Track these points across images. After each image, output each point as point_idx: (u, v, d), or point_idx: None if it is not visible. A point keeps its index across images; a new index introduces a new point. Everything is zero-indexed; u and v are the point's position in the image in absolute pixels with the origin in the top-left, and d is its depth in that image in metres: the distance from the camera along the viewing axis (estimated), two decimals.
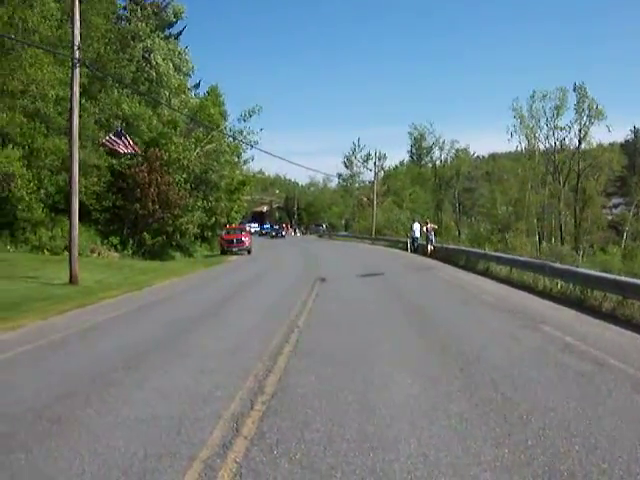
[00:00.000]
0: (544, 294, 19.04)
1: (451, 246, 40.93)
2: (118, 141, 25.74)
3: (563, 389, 8.04)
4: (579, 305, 16.56)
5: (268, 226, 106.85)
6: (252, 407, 7.17)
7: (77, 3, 21.70)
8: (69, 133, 22.41)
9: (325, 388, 7.99)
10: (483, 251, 31.78)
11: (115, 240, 37.78)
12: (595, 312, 15.40)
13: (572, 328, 12.91)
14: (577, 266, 22.33)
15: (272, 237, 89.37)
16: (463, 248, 37.26)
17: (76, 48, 21.77)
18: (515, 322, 13.63)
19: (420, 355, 10.22)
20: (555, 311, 15.75)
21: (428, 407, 7.19)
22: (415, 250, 42.75)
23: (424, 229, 40.66)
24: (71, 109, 22.06)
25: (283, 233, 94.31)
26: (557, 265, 20.39)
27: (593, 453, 5.77)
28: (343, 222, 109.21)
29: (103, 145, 28.16)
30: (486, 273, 25.90)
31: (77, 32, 21.79)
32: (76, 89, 21.95)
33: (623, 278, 16.29)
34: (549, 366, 9.29)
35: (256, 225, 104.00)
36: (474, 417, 6.82)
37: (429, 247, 38.85)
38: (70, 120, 22.15)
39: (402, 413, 6.97)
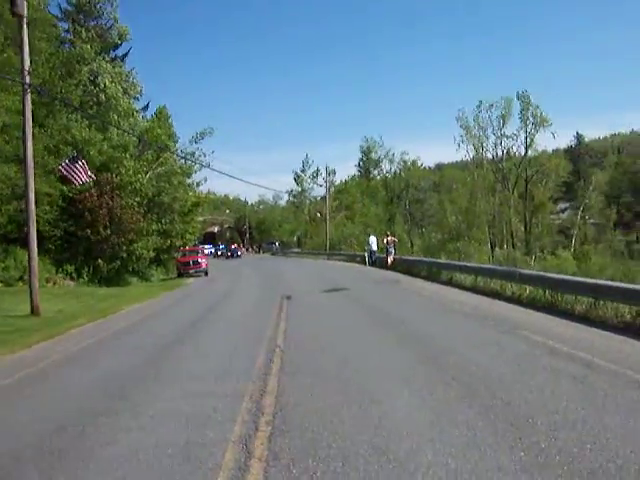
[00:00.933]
0: (513, 300, 19.23)
1: (411, 257, 41.10)
2: (74, 168, 25.18)
3: (560, 391, 8.10)
4: (551, 309, 16.79)
5: (223, 246, 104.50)
6: (257, 428, 7.04)
7: (25, 27, 21.21)
8: (23, 161, 21.82)
9: (324, 405, 7.91)
10: (446, 261, 31.96)
11: (70, 268, 37.10)
12: (568, 315, 15.64)
13: (551, 332, 13.04)
14: (545, 272, 22.53)
15: (227, 257, 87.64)
16: (425, 259, 37.44)
17: (26, 73, 21.32)
18: (494, 329, 13.73)
19: (409, 367, 10.16)
20: (529, 316, 15.91)
21: (432, 417, 7.17)
22: (373, 263, 42.80)
23: (384, 241, 40.62)
24: (24, 136, 21.57)
25: (239, 253, 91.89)
26: (527, 271, 20.64)
27: (606, 451, 5.86)
28: (295, 239, 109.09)
29: (59, 172, 27.46)
30: (450, 283, 26.02)
31: (26, 57, 21.35)
32: (28, 115, 21.47)
33: (597, 281, 16.58)
34: (539, 370, 9.37)
35: (209, 246, 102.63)
36: (480, 424, 6.83)
37: (389, 259, 38.91)
38: (24, 148, 21.59)
39: (408, 425, 6.93)
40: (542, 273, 20.14)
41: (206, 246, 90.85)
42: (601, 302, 15.10)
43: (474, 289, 22.93)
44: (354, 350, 11.90)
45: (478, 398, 7.87)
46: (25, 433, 7.46)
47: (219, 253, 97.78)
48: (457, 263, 29.82)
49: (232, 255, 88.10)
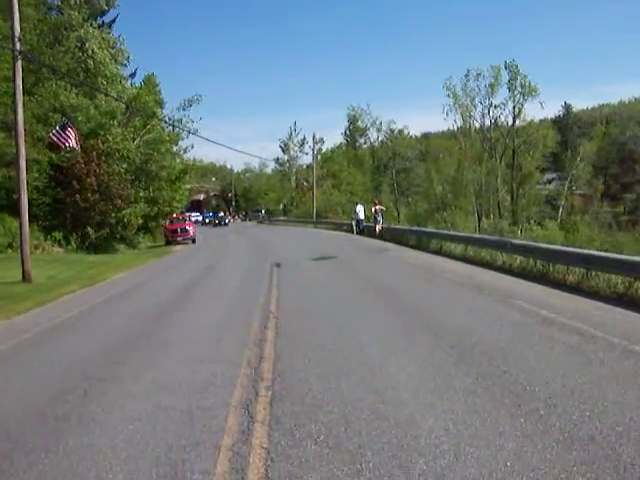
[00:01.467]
0: (504, 270, 19.38)
1: (399, 226, 41.16)
2: (63, 135, 25.16)
3: (556, 360, 8.24)
4: (542, 279, 16.91)
5: (211, 214, 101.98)
6: (257, 393, 7.17)
7: None
8: (14, 128, 21.72)
9: (322, 371, 8.02)
10: (436, 230, 32.09)
11: (58, 235, 36.94)
12: (560, 285, 15.76)
13: (544, 302, 13.13)
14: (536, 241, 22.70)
15: (215, 225, 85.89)
16: (414, 228, 37.57)
17: (17, 40, 21.19)
18: (486, 298, 13.87)
19: (405, 335, 10.28)
20: (521, 286, 16.02)
21: (431, 384, 7.29)
22: (361, 232, 42.83)
23: (373, 210, 40.62)
24: (15, 103, 21.43)
25: (226, 221, 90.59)
26: (518, 241, 20.78)
27: (605, 418, 5.99)
28: (281, 207, 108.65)
29: (50, 139, 27.34)
30: (440, 252, 26.14)
31: (17, 23, 21.17)
32: (19, 82, 21.34)
33: (589, 251, 16.72)
34: (535, 339, 9.48)
35: (196, 214, 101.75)
36: (479, 390, 6.96)
37: (377, 228, 38.99)
38: (15, 115, 21.47)
39: (408, 391, 7.06)
40: (534, 243, 20.21)
41: (193, 214, 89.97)
42: (593, 273, 15.27)
43: (464, 258, 23.09)
44: (348, 317, 11.99)
45: (475, 366, 8.00)
46: (26, 398, 7.54)
47: (207, 221, 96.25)
48: (446, 232, 29.97)
49: (219, 223, 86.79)
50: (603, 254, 16.11)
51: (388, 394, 6.97)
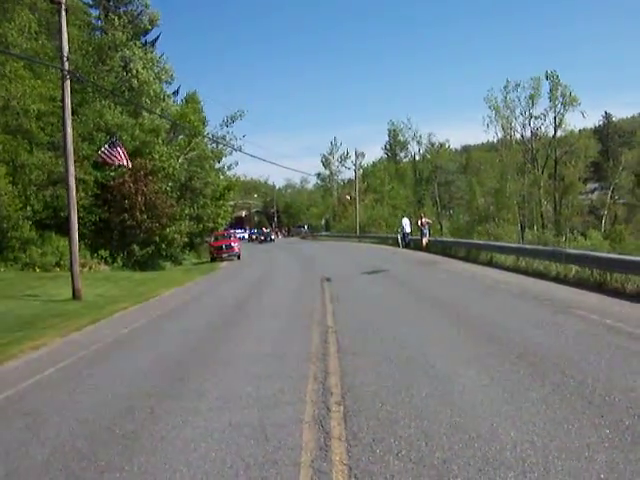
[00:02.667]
0: (560, 280, 18.97)
1: (446, 239, 40.84)
2: (113, 152, 25.34)
3: (630, 369, 8.00)
4: (600, 289, 16.53)
5: (255, 230, 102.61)
6: (328, 409, 7.02)
7: (63, 13, 21.32)
8: (63, 147, 21.96)
9: (393, 384, 7.85)
10: (485, 242, 31.74)
11: (104, 253, 37.25)
12: (619, 294, 15.40)
13: (605, 311, 12.84)
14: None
15: (261, 242, 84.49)
16: (462, 240, 37.29)
17: (65, 59, 21.42)
18: (546, 308, 13.58)
19: (470, 347, 10.08)
20: (580, 295, 15.69)
21: (506, 396, 7.11)
22: (407, 245, 42.68)
23: (419, 223, 40.40)
24: (64, 122, 21.71)
25: (272, 237, 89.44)
26: (574, 251, 20.37)
27: None
28: (323, 222, 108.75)
29: (99, 158, 27.53)
30: (490, 263, 25.78)
31: (65, 43, 21.49)
32: (67, 101, 21.62)
33: None
34: (604, 348, 9.23)
35: (242, 230, 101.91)
36: (557, 402, 6.77)
37: (424, 240, 38.76)
38: (64, 134, 21.73)
39: (484, 403, 6.89)
40: (591, 252, 19.88)
41: (238, 230, 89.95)
42: None
43: (516, 270, 22.67)
44: (409, 331, 11.78)
45: (548, 376, 7.78)
46: (93, 416, 7.44)
47: (253, 237, 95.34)
48: (497, 244, 29.59)
49: (265, 239, 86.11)
50: None
51: (464, 407, 6.79)
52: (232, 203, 68.45)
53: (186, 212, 44.41)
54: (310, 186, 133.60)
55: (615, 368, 8.05)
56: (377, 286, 20.78)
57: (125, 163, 26.73)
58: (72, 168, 21.79)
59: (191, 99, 51.13)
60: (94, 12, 47.58)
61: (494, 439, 5.72)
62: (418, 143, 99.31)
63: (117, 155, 25.44)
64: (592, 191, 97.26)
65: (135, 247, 39.30)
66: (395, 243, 45.75)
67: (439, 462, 5.28)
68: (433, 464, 5.25)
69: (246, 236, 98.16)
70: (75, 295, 21.20)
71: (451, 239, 41.54)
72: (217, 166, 53.17)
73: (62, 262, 31.36)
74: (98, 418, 7.32)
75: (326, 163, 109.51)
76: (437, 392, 7.40)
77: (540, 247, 24.79)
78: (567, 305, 13.77)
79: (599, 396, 6.85)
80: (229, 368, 9.58)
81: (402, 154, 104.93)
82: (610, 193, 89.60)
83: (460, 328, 11.97)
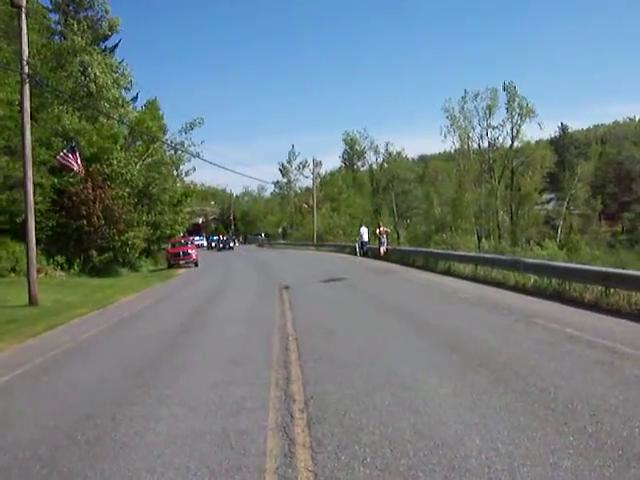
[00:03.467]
0: (518, 289, 19.19)
1: (404, 248, 41.04)
2: (71, 158, 25.08)
3: (591, 377, 8.12)
4: (558, 298, 16.73)
5: (215, 238, 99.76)
6: (292, 416, 7.02)
7: (24, 18, 21.13)
8: (22, 151, 21.64)
9: (355, 392, 7.88)
10: (444, 251, 31.99)
11: (61, 259, 36.78)
12: (578, 303, 15.62)
13: (565, 320, 13.01)
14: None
15: (220, 250, 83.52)
16: (420, 249, 37.53)
17: (25, 63, 21.22)
18: (506, 317, 13.73)
19: (431, 355, 10.14)
20: (539, 305, 15.87)
21: (469, 404, 7.15)
22: (365, 254, 42.83)
23: (377, 232, 40.60)
24: (23, 126, 21.46)
25: (231, 244, 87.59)
26: (532, 260, 20.65)
27: None
28: (280, 230, 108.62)
29: (57, 162, 27.22)
30: (449, 272, 25.91)
31: (25, 47, 21.27)
32: (27, 105, 21.42)
33: (607, 269, 16.67)
34: (565, 357, 9.36)
35: (201, 238, 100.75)
36: (520, 409, 6.85)
37: (382, 249, 38.96)
38: (23, 138, 21.45)
39: (447, 411, 6.93)
40: (549, 262, 20.21)
41: (196, 237, 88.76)
42: (611, 290, 15.14)
43: (475, 279, 22.85)
44: (368, 339, 11.85)
45: (511, 384, 7.87)
46: (54, 422, 7.37)
47: (212, 245, 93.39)
48: (455, 253, 29.81)
49: (224, 247, 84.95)
50: (623, 271, 16.03)
51: (428, 414, 6.83)
52: (189, 210, 68.04)
53: (144, 218, 44.04)
54: (267, 194, 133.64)
55: (576, 376, 8.16)
56: (336, 294, 20.84)
57: (77, 169, 26.42)
58: (30, 172, 21.52)
59: (151, 106, 50.95)
60: (53, 17, 47.16)
61: (459, 446, 5.76)
62: (375, 152, 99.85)
63: (75, 161, 25.17)
64: (548, 201, 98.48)
65: (93, 253, 38.91)
66: (353, 252, 45.84)
67: (405, 469, 5.30)
68: (399, 470, 5.27)
69: (205, 243, 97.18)
70: (32, 301, 20.94)
71: (409, 248, 41.81)
72: (175, 173, 52.88)
73: (18, 267, 30.95)
74: (59, 424, 7.24)
75: (284, 171, 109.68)
76: (400, 400, 7.43)
77: (500, 256, 25.10)
78: (527, 314, 13.90)
79: (562, 404, 6.93)
80: (190, 375, 9.53)
81: (359, 163, 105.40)
82: (566, 204, 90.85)
83: (420, 336, 12.09)
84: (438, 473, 5.20)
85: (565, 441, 5.78)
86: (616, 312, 14.03)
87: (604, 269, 16.66)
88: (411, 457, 5.57)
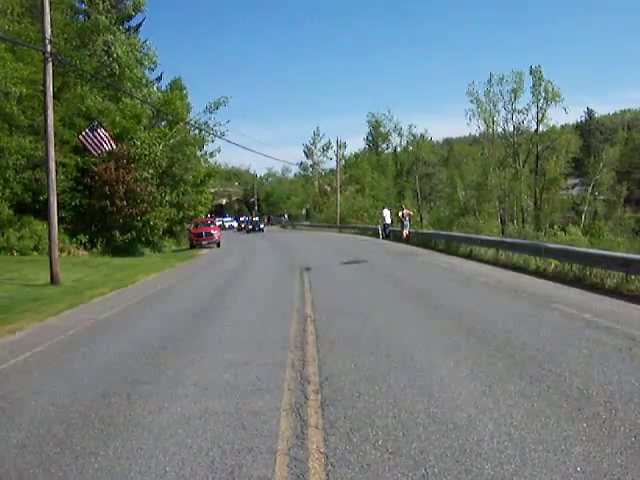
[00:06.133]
0: (539, 274, 19.03)
1: (427, 231, 40.86)
2: (93, 137, 24.95)
3: (608, 363, 8.03)
4: (579, 283, 16.60)
5: (246, 219, 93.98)
6: (306, 397, 7.02)
7: None
8: (44, 130, 21.64)
9: (371, 374, 7.86)
10: (466, 234, 31.79)
11: (84, 238, 37.03)
12: (598, 289, 15.46)
13: (584, 306, 12.88)
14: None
15: (249, 231, 77.63)
16: (442, 232, 37.38)
17: (47, 42, 21.18)
18: (525, 302, 13.63)
19: (449, 338, 10.05)
20: (559, 290, 15.70)
21: (484, 388, 7.10)
22: (387, 236, 42.77)
23: (400, 214, 40.47)
24: (45, 105, 21.45)
25: (261, 226, 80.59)
26: (554, 245, 20.42)
27: None
28: (304, 212, 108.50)
29: (80, 142, 27.12)
30: (470, 256, 25.82)
31: (48, 25, 21.20)
32: (49, 84, 21.40)
33: (629, 255, 16.43)
34: (583, 342, 9.25)
35: (230, 218, 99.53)
36: (535, 394, 6.79)
37: (404, 232, 38.87)
38: (45, 116, 21.46)
39: (461, 394, 6.89)
40: (570, 247, 20.00)
41: (226, 218, 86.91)
42: (632, 276, 14.97)
43: (496, 263, 22.72)
44: (386, 321, 11.80)
45: (526, 369, 7.81)
46: (69, 401, 7.40)
47: (242, 226, 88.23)
48: (477, 236, 29.57)
49: (254, 229, 78.30)
50: None
51: (442, 398, 6.79)
52: (212, 190, 68.00)
53: (167, 199, 44.02)
54: (291, 175, 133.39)
55: (593, 362, 8.08)
56: (357, 276, 20.78)
57: (108, 147, 26.19)
58: (52, 151, 21.50)
59: (175, 85, 50.87)
60: None
61: (471, 430, 5.73)
62: (399, 135, 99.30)
63: (100, 140, 25.02)
64: (573, 187, 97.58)
65: (116, 232, 39.06)
66: (375, 234, 45.80)
67: (416, 452, 5.29)
68: (410, 454, 5.25)
69: (235, 224, 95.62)
70: (53, 280, 21.01)
71: (432, 231, 41.58)
72: (199, 153, 52.76)
73: (40, 246, 31.21)
74: (74, 403, 7.26)
75: (308, 153, 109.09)
76: (415, 383, 7.40)
77: (521, 240, 24.88)
78: (546, 299, 13.78)
79: (577, 390, 6.87)
80: (207, 355, 9.54)
81: (384, 145, 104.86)
82: (590, 189, 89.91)
83: (439, 320, 12.00)
84: (449, 457, 5.18)
85: (578, 427, 5.74)
86: (637, 298, 13.85)
87: (625, 255, 16.48)
88: (423, 440, 5.56)
